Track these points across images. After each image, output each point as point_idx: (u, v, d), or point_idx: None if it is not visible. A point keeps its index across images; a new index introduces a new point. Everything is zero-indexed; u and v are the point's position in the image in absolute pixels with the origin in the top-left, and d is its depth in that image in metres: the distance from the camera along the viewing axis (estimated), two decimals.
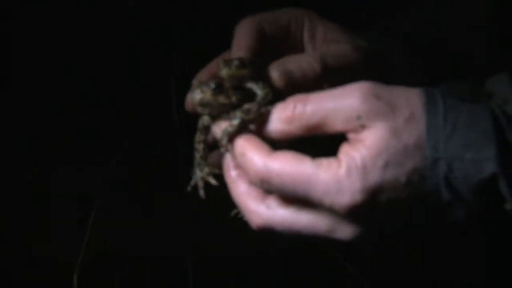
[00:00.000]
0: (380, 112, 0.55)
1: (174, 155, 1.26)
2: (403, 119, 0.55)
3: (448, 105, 0.55)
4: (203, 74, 0.71)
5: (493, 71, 0.62)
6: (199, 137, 0.68)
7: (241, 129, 0.61)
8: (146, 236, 1.22)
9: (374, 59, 0.73)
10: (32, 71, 1.22)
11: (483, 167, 0.53)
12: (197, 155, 0.69)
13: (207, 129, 0.67)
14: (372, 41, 0.75)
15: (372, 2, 1.04)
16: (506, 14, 0.86)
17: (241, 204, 0.61)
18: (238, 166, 0.62)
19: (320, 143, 0.59)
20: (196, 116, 0.68)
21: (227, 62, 0.64)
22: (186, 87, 0.69)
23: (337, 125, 0.57)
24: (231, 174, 0.63)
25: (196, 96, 0.63)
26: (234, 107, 0.63)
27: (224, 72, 0.63)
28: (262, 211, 0.59)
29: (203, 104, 0.63)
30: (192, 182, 0.70)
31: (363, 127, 0.56)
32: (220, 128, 0.63)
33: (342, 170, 0.54)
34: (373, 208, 0.55)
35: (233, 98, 0.63)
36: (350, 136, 0.57)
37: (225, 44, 0.72)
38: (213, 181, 0.68)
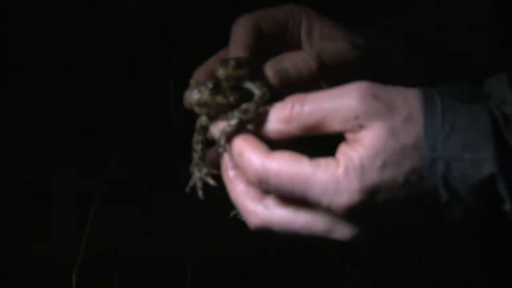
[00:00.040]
0: (378, 112, 0.55)
1: (174, 155, 1.26)
2: (401, 119, 0.55)
3: (446, 105, 0.55)
4: (200, 72, 0.71)
5: (493, 71, 0.62)
6: (197, 137, 0.68)
7: (239, 129, 0.61)
8: (146, 236, 1.23)
9: (372, 57, 0.73)
10: (32, 71, 1.22)
11: (482, 167, 0.53)
12: (195, 156, 0.69)
13: (205, 129, 0.67)
14: (372, 41, 0.75)
15: (372, 2, 1.04)
16: (506, 14, 0.86)
17: (239, 204, 0.61)
18: (236, 166, 0.62)
19: (318, 143, 0.59)
20: (195, 116, 0.68)
21: (224, 62, 0.63)
22: (185, 87, 0.69)
23: (335, 125, 0.57)
24: (229, 174, 0.63)
25: (194, 96, 0.62)
26: (232, 107, 0.63)
27: (221, 73, 0.63)
28: (260, 211, 0.59)
29: (200, 104, 0.63)
30: (191, 183, 0.70)
31: (361, 127, 0.56)
32: (218, 128, 0.63)
33: (340, 170, 0.54)
34: (371, 208, 0.55)
35: (231, 98, 0.63)
36: (348, 136, 0.57)
37: (225, 44, 0.72)
38: (211, 182, 0.68)
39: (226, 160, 0.63)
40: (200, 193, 0.68)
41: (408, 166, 0.54)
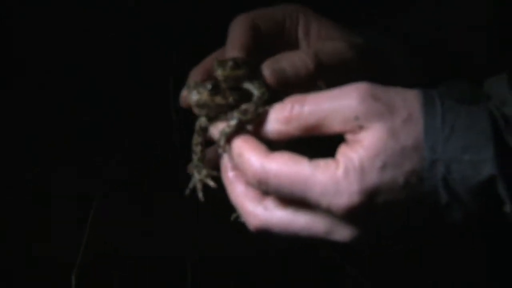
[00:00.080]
0: (378, 113, 0.55)
1: (174, 155, 1.26)
2: (400, 120, 0.55)
3: (446, 107, 0.55)
4: (196, 72, 0.71)
5: (493, 71, 0.62)
6: (196, 139, 0.68)
7: (239, 130, 0.61)
8: (145, 236, 1.22)
9: (372, 57, 0.73)
10: (32, 71, 1.22)
11: (482, 168, 0.53)
12: (195, 157, 0.68)
13: (204, 130, 0.67)
14: (372, 41, 0.75)
15: (372, 2, 1.04)
16: (506, 14, 0.86)
17: (238, 205, 0.61)
18: (236, 168, 0.62)
19: (317, 144, 0.59)
20: (194, 116, 0.68)
21: (221, 63, 0.63)
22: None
23: (334, 126, 0.57)
24: (229, 176, 0.63)
25: (193, 97, 0.62)
26: (231, 107, 0.62)
27: (219, 73, 0.63)
28: (259, 212, 0.59)
29: (200, 105, 0.63)
30: (191, 185, 0.69)
31: (361, 128, 0.55)
32: (217, 129, 0.63)
33: (340, 171, 0.54)
34: (370, 209, 0.54)
35: (230, 99, 0.63)
36: (348, 137, 0.57)
37: (225, 44, 0.72)
38: (211, 183, 0.67)
39: (225, 161, 0.63)
40: (200, 195, 0.68)
41: (408, 167, 0.54)
